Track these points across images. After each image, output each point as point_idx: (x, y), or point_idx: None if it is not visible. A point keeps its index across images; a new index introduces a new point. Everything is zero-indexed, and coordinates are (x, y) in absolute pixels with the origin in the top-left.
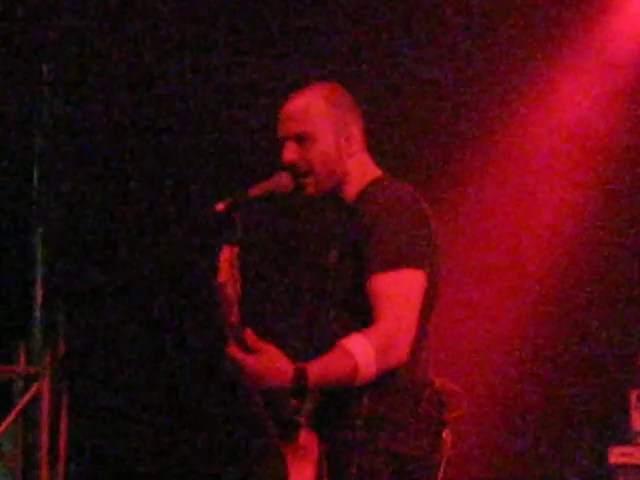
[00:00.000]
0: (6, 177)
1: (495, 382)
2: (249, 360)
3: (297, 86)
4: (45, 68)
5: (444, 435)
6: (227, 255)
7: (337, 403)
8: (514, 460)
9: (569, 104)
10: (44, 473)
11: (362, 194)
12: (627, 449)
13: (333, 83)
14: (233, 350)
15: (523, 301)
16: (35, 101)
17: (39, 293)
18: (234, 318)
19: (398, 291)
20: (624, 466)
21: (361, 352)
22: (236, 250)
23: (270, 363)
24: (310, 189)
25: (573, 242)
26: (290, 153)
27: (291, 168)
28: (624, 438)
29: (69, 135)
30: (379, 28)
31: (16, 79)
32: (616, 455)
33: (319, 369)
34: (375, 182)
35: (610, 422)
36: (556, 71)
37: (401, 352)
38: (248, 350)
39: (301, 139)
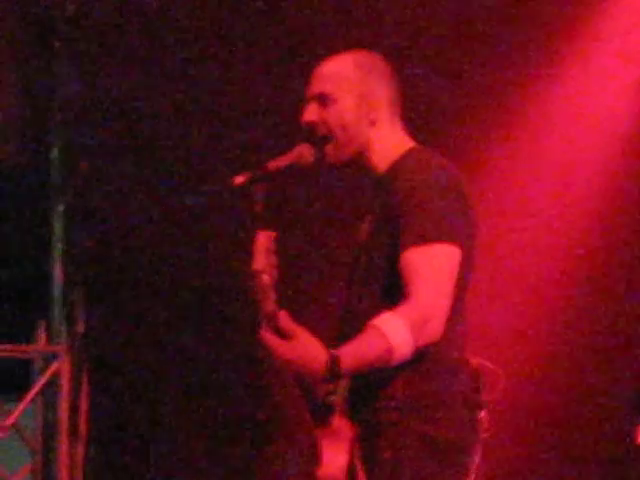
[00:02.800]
0: (25, 154)
1: (523, 361)
2: (282, 346)
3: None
4: (57, 44)
5: (480, 416)
6: (263, 240)
7: (370, 385)
8: (541, 441)
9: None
10: (64, 453)
11: (395, 165)
12: None
13: (371, 51)
14: (266, 335)
15: (561, 282)
16: (53, 77)
17: (59, 271)
18: (270, 306)
19: (432, 266)
20: None
21: (395, 332)
22: (273, 235)
23: (303, 350)
24: (330, 157)
25: (613, 225)
26: (309, 114)
27: (309, 130)
28: None
29: (88, 110)
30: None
31: (32, 55)
32: None
33: (352, 354)
34: (409, 153)
35: (638, 401)
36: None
37: (435, 329)
38: (282, 335)
39: (322, 99)
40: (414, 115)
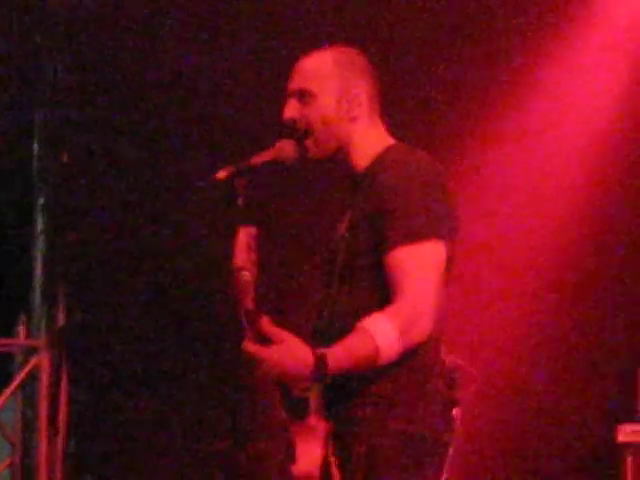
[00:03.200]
0: (6, 148)
1: (505, 360)
2: (267, 353)
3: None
4: (39, 38)
5: (454, 413)
6: (244, 237)
7: (346, 381)
8: (522, 438)
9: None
10: (43, 447)
11: (376, 161)
12: (635, 427)
13: (349, 47)
14: (249, 345)
15: (536, 280)
16: (36, 70)
17: (39, 266)
18: (250, 303)
19: (419, 265)
20: (632, 444)
21: (383, 334)
22: (254, 231)
23: (289, 353)
24: (311, 152)
25: (596, 224)
26: (290, 110)
27: (290, 126)
28: (632, 416)
29: (70, 104)
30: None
31: (15, 49)
32: (624, 433)
33: (340, 354)
34: (389, 150)
35: (618, 401)
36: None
37: (424, 330)
38: (264, 338)
39: (302, 96)
40: (405, 116)
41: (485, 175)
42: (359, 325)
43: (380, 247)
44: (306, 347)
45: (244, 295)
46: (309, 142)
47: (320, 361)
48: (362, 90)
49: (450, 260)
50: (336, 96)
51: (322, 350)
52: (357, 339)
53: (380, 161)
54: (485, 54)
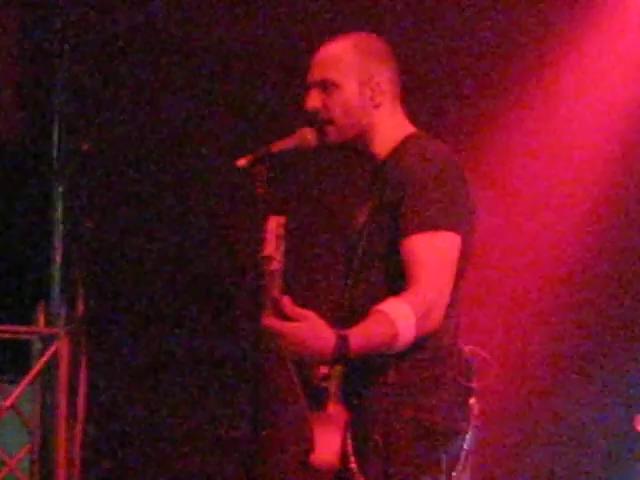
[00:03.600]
0: (26, 135)
1: (524, 349)
2: (290, 327)
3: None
4: (59, 23)
5: (471, 403)
6: (273, 226)
7: (364, 370)
8: (540, 427)
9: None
10: (62, 434)
11: (395, 150)
12: None
13: (369, 33)
14: (271, 320)
15: (558, 273)
16: (54, 60)
17: (58, 252)
18: (277, 291)
19: (435, 254)
20: None
21: (402, 319)
22: (282, 220)
23: (312, 330)
24: (332, 137)
25: (607, 225)
26: (312, 100)
27: (312, 116)
28: None
29: (89, 92)
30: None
31: (35, 39)
32: None
33: (361, 336)
34: (409, 138)
35: (637, 390)
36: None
37: (436, 318)
38: (287, 320)
39: (325, 86)
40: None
41: (492, 171)
42: (378, 308)
43: (397, 234)
44: (328, 327)
45: (272, 284)
46: (331, 129)
47: (342, 340)
48: (384, 77)
49: (467, 253)
50: (359, 84)
51: (344, 331)
52: (378, 322)
53: (399, 150)
54: (494, 58)
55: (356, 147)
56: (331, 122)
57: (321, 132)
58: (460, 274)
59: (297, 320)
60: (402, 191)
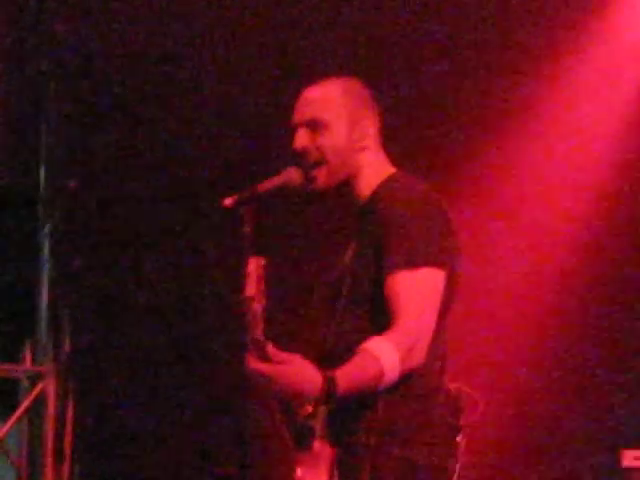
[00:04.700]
0: (12, 174)
1: (506, 383)
2: (277, 370)
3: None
4: (45, 64)
5: (458, 440)
6: (254, 267)
7: (351, 408)
8: (527, 463)
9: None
10: (49, 473)
11: (377, 191)
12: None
13: (353, 77)
14: (257, 363)
15: (541, 307)
16: (40, 98)
17: (45, 291)
18: (259, 332)
19: (418, 291)
20: (637, 469)
21: (387, 357)
22: (262, 261)
23: (299, 373)
24: (320, 181)
25: (597, 246)
26: (302, 140)
27: (301, 156)
28: (638, 441)
29: (76, 131)
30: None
31: (20, 74)
32: (629, 458)
33: (348, 376)
34: (391, 179)
35: (623, 425)
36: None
37: (421, 353)
38: (270, 362)
39: (314, 126)
40: (402, 124)
41: (488, 181)
42: (363, 347)
43: (381, 273)
44: (314, 368)
45: (254, 325)
46: (319, 172)
47: (329, 381)
48: (370, 121)
49: (452, 289)
50: (348, 126)
51: (331, 371)
52: (363, 361)
53: (381, 190)
54: (495, 67)
55: (340, 190)
56: (322, 162)
57: (310, 176)
58: (445, 310)
59: (281, 363)
60: (385, 228)
